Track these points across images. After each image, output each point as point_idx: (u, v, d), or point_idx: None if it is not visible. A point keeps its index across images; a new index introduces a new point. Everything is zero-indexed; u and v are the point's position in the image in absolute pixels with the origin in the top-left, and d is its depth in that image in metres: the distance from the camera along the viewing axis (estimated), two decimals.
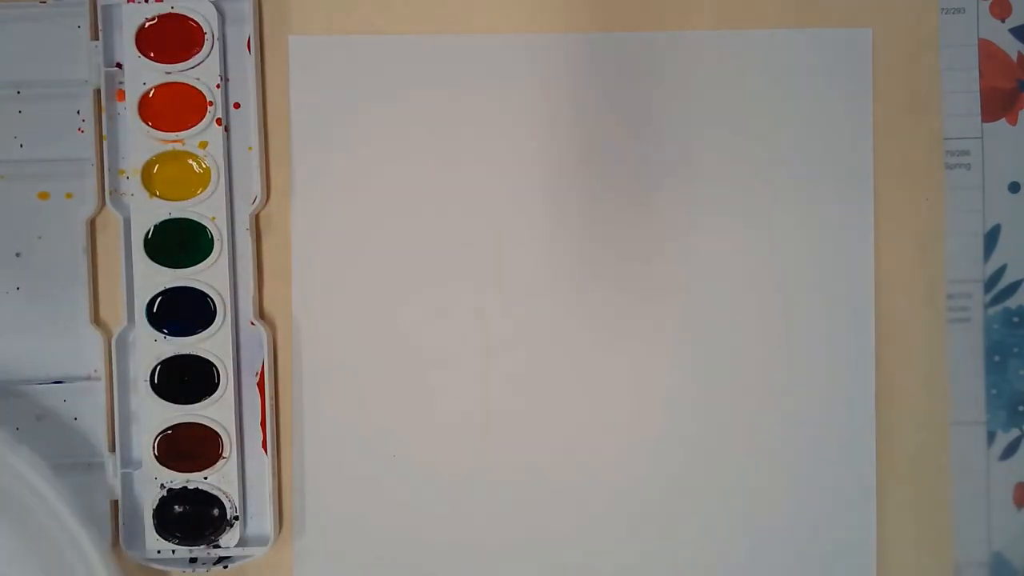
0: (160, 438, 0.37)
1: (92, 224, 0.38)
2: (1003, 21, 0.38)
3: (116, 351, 0.37)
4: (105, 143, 0.37)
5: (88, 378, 0.38)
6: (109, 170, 0.37)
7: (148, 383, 0.37)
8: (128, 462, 0.37)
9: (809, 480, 0.38)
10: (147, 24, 0.36)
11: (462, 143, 0.38)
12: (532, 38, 0.38)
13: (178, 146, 0.37)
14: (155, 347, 0.37)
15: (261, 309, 0.38)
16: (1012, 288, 0.38)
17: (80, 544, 0.34)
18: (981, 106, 0.38)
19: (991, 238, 0.38)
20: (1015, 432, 0.38)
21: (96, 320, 0.38)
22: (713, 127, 0.38)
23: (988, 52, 0.38)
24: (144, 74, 0.36)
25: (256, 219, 0.38)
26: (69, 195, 0.37)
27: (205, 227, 0.37)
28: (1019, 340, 0.38)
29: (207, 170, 0.37)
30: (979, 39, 0.38)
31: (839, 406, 0.38)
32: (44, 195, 0.37)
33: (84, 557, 0.34)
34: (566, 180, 0.38)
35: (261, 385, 0.37)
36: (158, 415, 0.37)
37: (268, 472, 0.37)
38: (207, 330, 0.37)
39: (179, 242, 0.37)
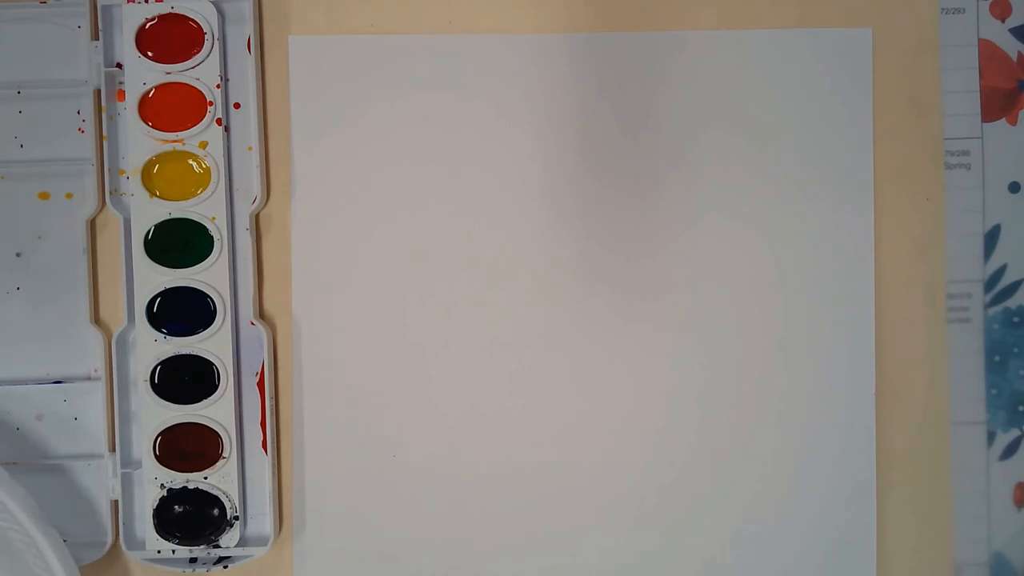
0: (160, 438, 0.37)
1: (92, 224, 0.38)
2: (1003, 21, 0.38)
3: (116, 351, 0.37)
4: (105, 143, 0.37)
5: (88, 378, 0.38)
6: (109, 170, 0.37)
7: (148, 383, 0.37)
8: (128, 462, 0.37)
9: (809, 480, 0.38)
10: (147, 24, 0.36)
11: (463, 143, 0.38)
12: (533, 38, 0.38)
13: (178, 146, 0.37)
14: (155, 347, 0.37)
15: (261, 309, 0.38)
16: (1012, 288, 0.38)
17: (42, 553, 0.34)
18: (981, 106, 0.38)
19: (991, 238, 0.38)
20: (1015, 432, 0.38)
21: (96, 320, 0.38)
22: (713, 127, 0.38)
23: (988, 52, 0.38)
24: (144, 74, 0.36)
25: (256, 219, 0.38)
26: (69, 195, 0.37)
27: (205, 227, 0.37)
28: (1019, 340, 0.38)
29: (207, 170, 0.37)
30: (979, 39, 0.38)
31: (839, 406, 0.38)
32: (44, 195, 0.37)
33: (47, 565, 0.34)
34: (566, 180, 0.38)
35: (261, 385, 0.37)
36: (158, 415, 0.37)
37: (268, 472, 0.37)
38: (207, 330, 0.37)
39: (179, 242, 0.37)
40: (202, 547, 0.37)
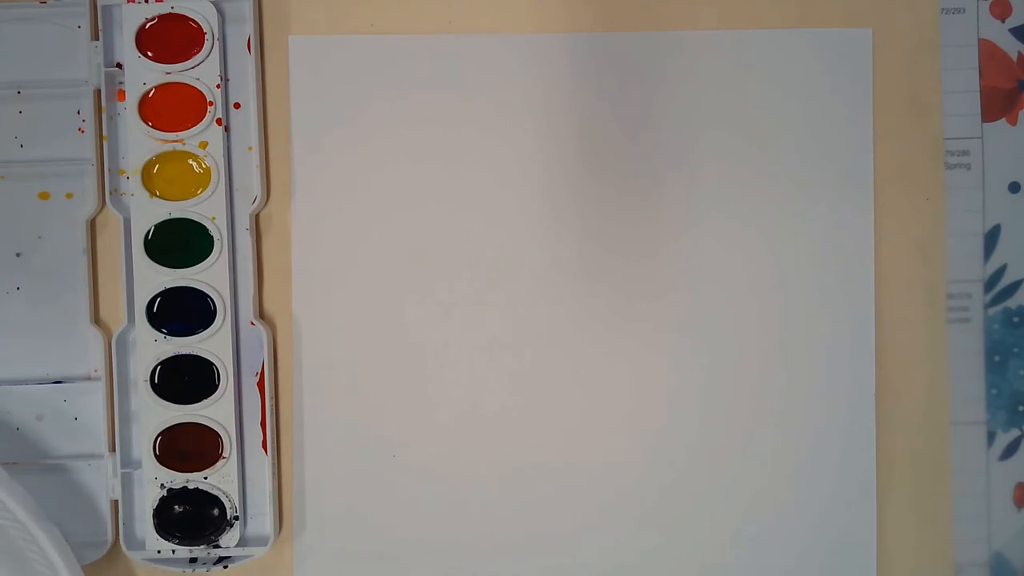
0: (160, 438, 0.37)
1: (92, 224, 0.38)
2: (1003, 21, 0.38)
3: (116, 351, 0.37)
4: (105, 143, 0.37)
5: (88, 378, 0.38)
6: (109, 170, 0.37)
7: (148, 383, 0.37)
8: (128, 462, 0.37)
9: (809, 480, 0.38)
10: (147, 24, 0.36)
11: (463, 143, 0.38)
12: (533, 38, 0.38)
13: (178, 146, 0.37)
14: (155, 347, 0.37)
15: (261, 309, 0.38)
16: (1012, 288, 0.38)
17: (47, 555, 0.34)
18: (981, 106, 0.38)
19: (991, 238, 0.38)
20: (1015, 432, 0.38)
21: (96, 320, 0.38)
22: (713, 127, 0.38)
23: (988, 52, 0.38)
24: (144, 74, 0.36)
25: (256, 219, 0.38)
26: (69, 195, 0.37)
27: (205, 227, 0.37)
28: (1019, 340, 0.38)
29: (207, 170, 0.37)
30: (979, 39, 0.38)
31: (839, 406, 0.38)
32: (44, 195, 0.37)
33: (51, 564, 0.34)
34: (566, 180, 0.38)
35: (261, 385, 0.37)
36: (158, 415, 0.37)
37: (268, 472, 0.37)
38: (207, 330, 0.37)
39: (179, 242, 0.37)
40: (202, 547, 0.37)
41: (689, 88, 0.38)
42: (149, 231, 0.37)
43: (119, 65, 0.37)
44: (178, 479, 0.37)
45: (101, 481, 0.37)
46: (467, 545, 0.38)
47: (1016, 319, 0.38)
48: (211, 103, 0.36)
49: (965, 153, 0.38)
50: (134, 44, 0.36)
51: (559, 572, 0.38)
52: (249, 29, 0.37)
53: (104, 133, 0.37)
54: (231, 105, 0.37)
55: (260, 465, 0.37)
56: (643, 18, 0.38)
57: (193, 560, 0.37)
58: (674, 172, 0.38)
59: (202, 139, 0.37)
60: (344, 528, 0.38)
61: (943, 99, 0.38)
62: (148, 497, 0.37)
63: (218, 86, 0.37)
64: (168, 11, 0.36)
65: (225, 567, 0.37)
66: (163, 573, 0.37)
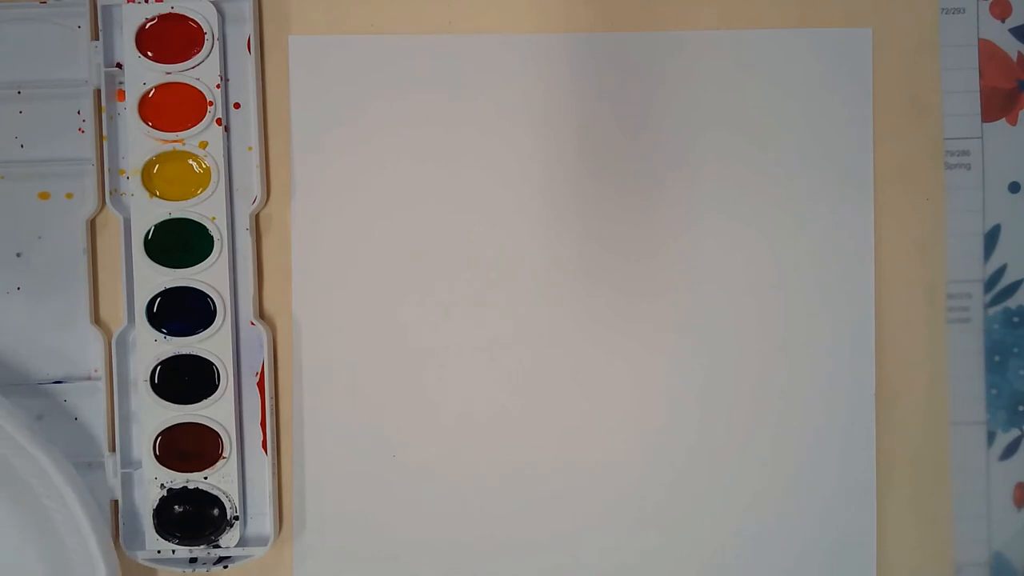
0: (160, 438, 0.37)
1: (92, 224, 0.38)
2: (1003, 21, 0.38)
3: (116, 351, 0.37)
4: (105, 143, 0.37)
5: (88, 378, 0.38)
6: (109, 170, 0.37)
7: (148, 383, 0.37)
8: (128, 462, 0.37)
9: (809, 480, 0.38)
10: (147, 24, 0.36)
11: (462, 143, 0.38)
12: (532, 38, 0.38)
13: (178, 146, 0.37)
14: (155, 347, 0.37)
15: (261, 309, 0.38)
16: (1012, 288, 0.38)
17: (84, 539, 0.34)
18: (981, 106, 0.38)
19: (991, 238, 0.38)
20: (1015, 432, 0.38)
21: (96, 320, 0.38)
22: (713, 127, 0.38)
23: (988, 52, 0.38)
24: (144, 74, 0.36)
25: (256, 219, 0.38)
26: (69, 195, 0.37)
27: (205, 227, 0.37)
28: (1019, 340, 0.38)
29: (207, 170, 0.37)
30: (979, 39, 0.38)
31: (839, 406, 0.38)
32: (44, 195, 0.37)
33: (88, 553, 0.34)
34: (566, 180, 0.38)
35: (261, 385, 0.37)
36: (158, 415, 0.37)
37: (268, 472, 0.37)
38: (207, 330, 0.37)
39: (179, 242, 0.37)
40: (202, 547, 0.37)
41: (689, 88, 0.38)
42: (149, 231, 0.37)
43: (119, 65, 0.37)
44: (178, 479, 0.37)
45: (101, 481, 0.37)
46: (467, 545, 0.38)
47: (1016, 319, 0.38)
48: (211, 103, 0.36)
49: (965, 153, 0.38)
50: (134, 44, 0.36)
51: (559, 572, 0.38)
52: (249, 29, 0.37)
53: (104, 133, 0.37)
54: (231, 105, 0.37)
55: (260, 465, 0.38)
56: (643, 18, 0.38)
57: (193, 560, 0.37)
58: (674, 172, 0.38)
59: (202, 139, 0.37)
60: (344, 528, 0.38)
61: (943, 99, 0.38)
62: (148, 497, 0.37)
63: (218, 86, 0.37)
64: (168, 11, 0.36)
65: (225, 567, 0.37)
66: (163, 573, 0.37)
